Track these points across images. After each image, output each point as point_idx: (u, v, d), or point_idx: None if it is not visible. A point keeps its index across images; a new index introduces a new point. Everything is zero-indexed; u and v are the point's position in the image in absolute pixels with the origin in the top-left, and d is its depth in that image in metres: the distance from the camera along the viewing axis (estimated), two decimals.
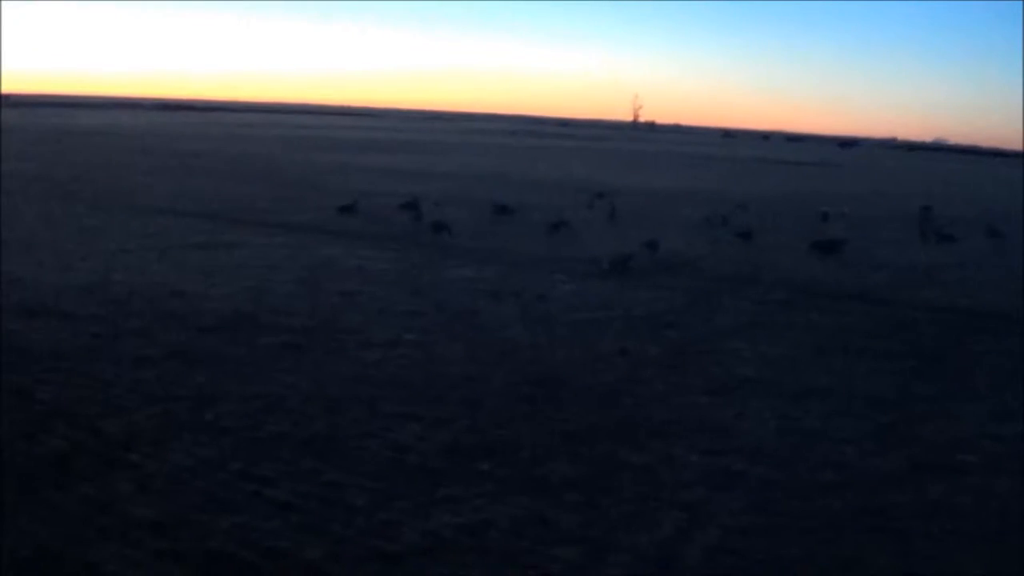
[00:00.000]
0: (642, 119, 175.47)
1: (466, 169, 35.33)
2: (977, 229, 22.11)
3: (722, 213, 21.65)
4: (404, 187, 25.21)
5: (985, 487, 6.27)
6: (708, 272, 14.32)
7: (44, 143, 38.18)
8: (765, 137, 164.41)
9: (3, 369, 7.57)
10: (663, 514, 5.58)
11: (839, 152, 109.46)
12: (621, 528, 5.37)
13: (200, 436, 6.41)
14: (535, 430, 6.85)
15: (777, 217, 23.35)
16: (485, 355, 8.79)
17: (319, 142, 51.98)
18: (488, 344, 9.21)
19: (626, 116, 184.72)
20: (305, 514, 5.34)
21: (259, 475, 5.83)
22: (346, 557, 4.90)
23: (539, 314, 10.72)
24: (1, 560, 4.68)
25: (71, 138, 43.16)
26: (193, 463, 5.97)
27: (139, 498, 5.43)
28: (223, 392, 7.30)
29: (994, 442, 7.12)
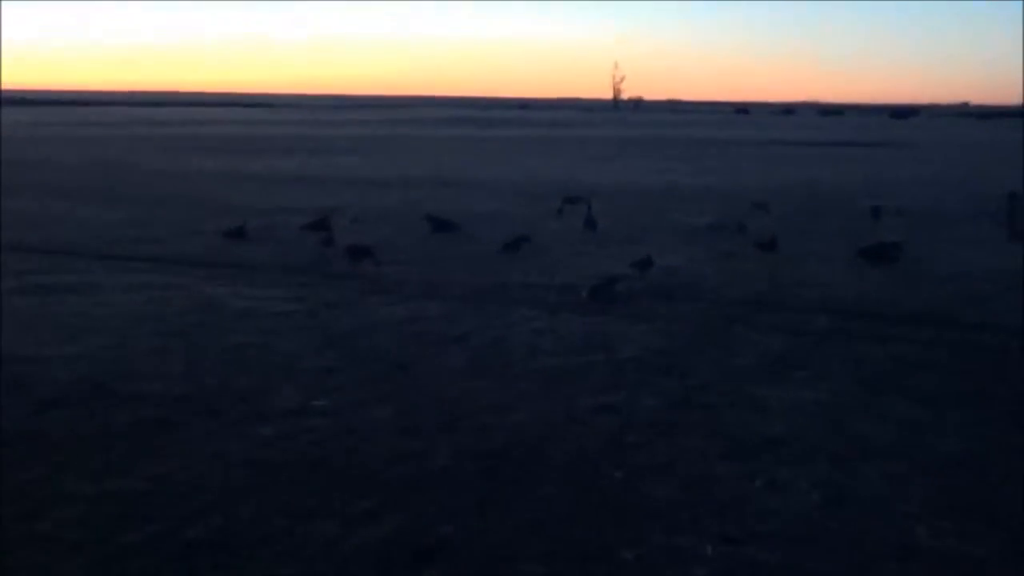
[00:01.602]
0: (626, 95, 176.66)
1: (395, 172, 35.38)
2: None
3: (736, 216, 21.78)
4: (312, 200, 25.16)
5: None
6: (720, 296, 14.36)
7: None
8: (789, 111, 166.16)
9: None
10: None
11: (892, 125, 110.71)
12: None
13: (31, 554, 6.28)
14: (494, 521, 6.78)
15: (810, 218, 23.52)
16: (425, 422, 8.71)
17: (194, 142, 51.91)
18: (428, 407, 9.13)
19: (605, 93, 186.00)
20: None
21: None
22: None
23: (496, 363, 10.66)
24: None
25: None
26: None
27: None
28: (66, 491, 7.17)
29: None
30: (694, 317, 12.99)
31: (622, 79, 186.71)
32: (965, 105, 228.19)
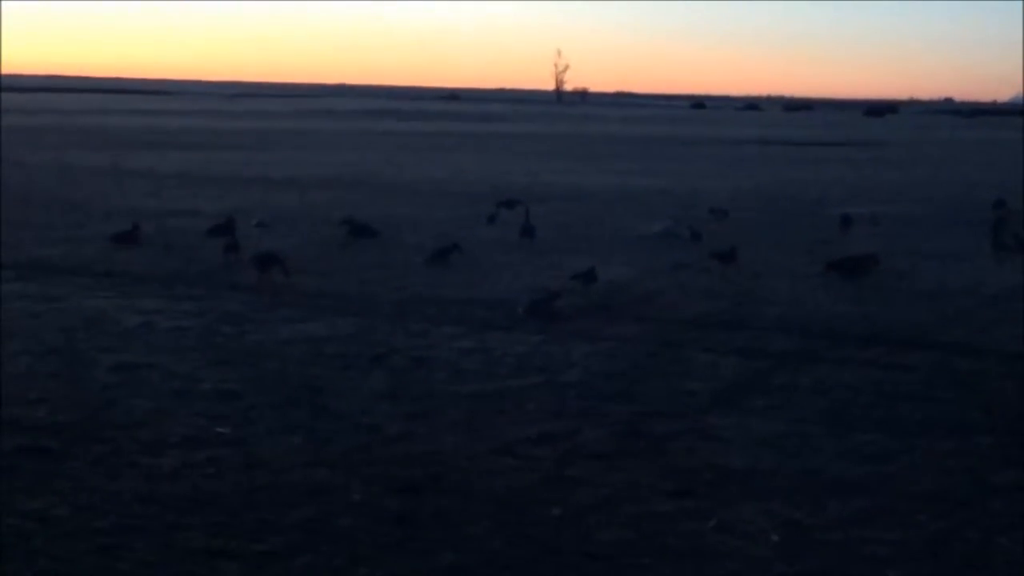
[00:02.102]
0: (570, 87, 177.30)
1: (307, 170, 35.30)
2: None
3: (691, 223, 21.89)
4: (212, 202, 25.09)
5: None
6: (672, 313, 14.47)
7: None
8: (752, 106, 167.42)
9: None
10: None
11: (867, 123, 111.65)
12: None
13: None
14: (413, 565, 6.82)
15: (773, 226, 23.71)
16: (337, 454, 8.73)
17: (73, 135, 51.45)
18: (342, 436, 9.15)
19: (547, 83, 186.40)
20: None
21: None
22: None
23: (419, 387, 10.69)
24: None
25: None
26: None
27: None
28: None
29: None
30: (643, 337, 13.07)
31: (566, 68, 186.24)
32: (948, 101, 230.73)
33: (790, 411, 10.17)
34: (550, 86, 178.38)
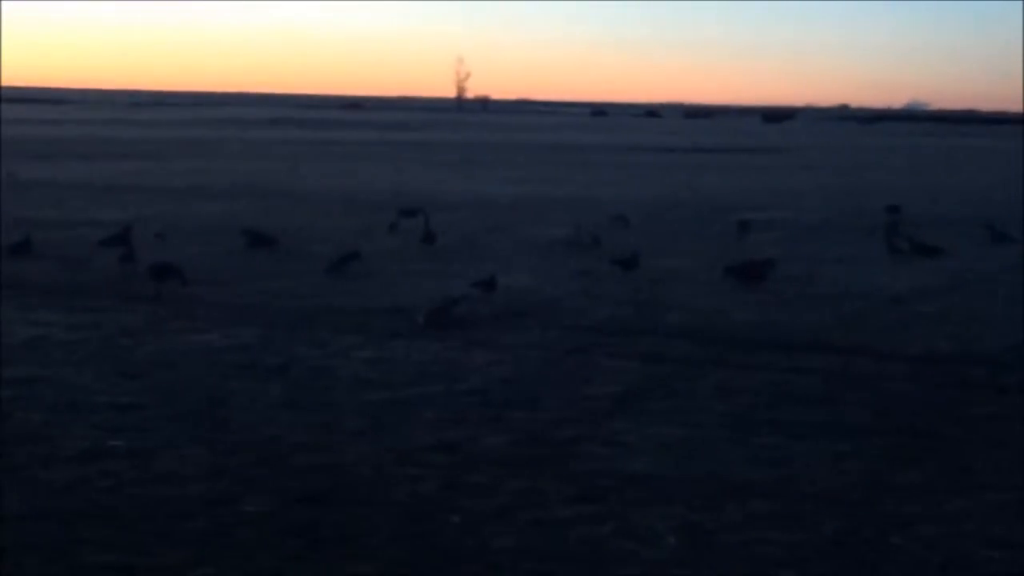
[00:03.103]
0: (471, 94, 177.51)
1: (208, 180, 35.06)
2: (972, 234, 23.07)
3: (592, 230, 21.98)
4: (108, 212, 24.84)
5: None
6: (573, 320, 14.51)
7: None
8: (652, 113, 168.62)
9: None
10: None
11: (765, 129, 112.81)
12: None
13: None
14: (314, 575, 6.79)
15: (674, 232, 23.88)
16: (237, 465, 8.68)
17: None
18: (242, 447, 9.09)
19: (448, 91, 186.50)
20: None
21: None
22: None
23: (319, 397, 10.66)
24: None
25: None
26: None
27: None
28: None
29: (1007, 552, 7.37)
30: (544, 343, 13.11)
31: (467, 76, 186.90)
32: (844, 107, 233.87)
33: (691, 415, 10.23)
34: (452, 94, 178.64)
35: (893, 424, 10.13)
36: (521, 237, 22.59)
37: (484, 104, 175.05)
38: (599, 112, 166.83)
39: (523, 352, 12.60)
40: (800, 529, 7.62)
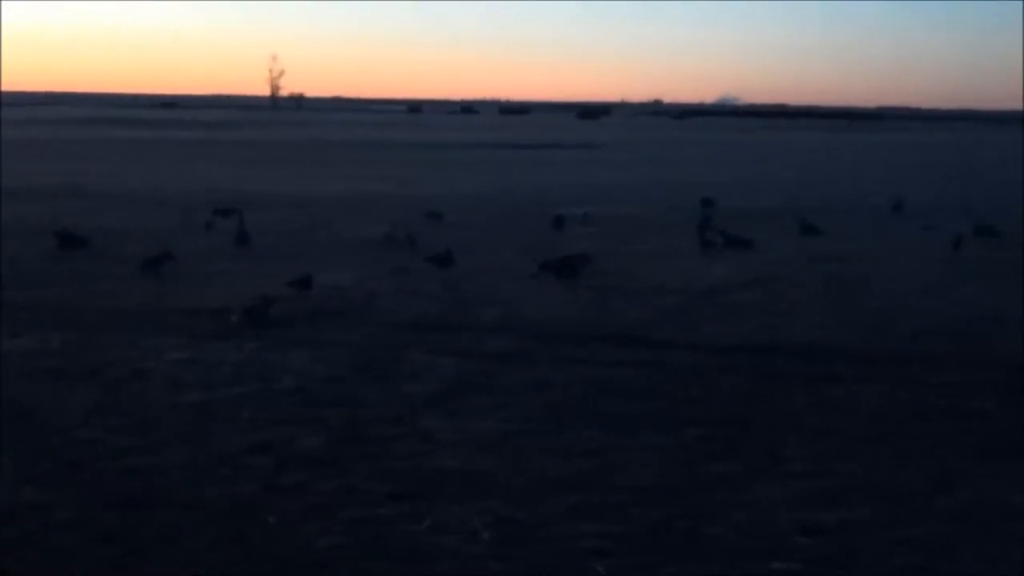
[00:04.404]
0: (285, 92, 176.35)
1: (17, 181, 34.23)
2: (784, 226, 23.56)
3: (406, 227, 21.96)
4: None
5: None
6: (389, 317, 14.50)
7: None
8: (468, 109, 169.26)
9: None
10: None
11: (581, 125, 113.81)
12: None
13: None
14: None
15: (489, 228, 23.95)
16: (50, 470, 8.54)
17: None
18: (54, 452, 8.95)
19: (261, 89, 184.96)
20: None
21: None
22: None
23: (133, 400, 10.53)
24: None
25: None
26: None
27: None
28: None
29: (816, 538, 7.54)
30: (361, 341, 13.08)
31: (281, 74, 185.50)
32: (658, 103, 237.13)
33: (509, 411, 10.30)
34: (266, 92, 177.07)
35: (708, 415, 10.29)
36: (337, 235, 22.50)
37: (298, 102, 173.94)
38: (415, 109, 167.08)
39: (340, 350, 12.56)
40: (616, 521, 7.72)
